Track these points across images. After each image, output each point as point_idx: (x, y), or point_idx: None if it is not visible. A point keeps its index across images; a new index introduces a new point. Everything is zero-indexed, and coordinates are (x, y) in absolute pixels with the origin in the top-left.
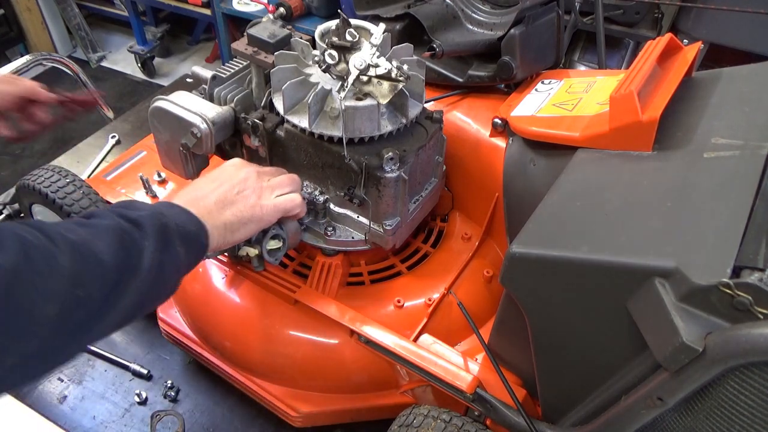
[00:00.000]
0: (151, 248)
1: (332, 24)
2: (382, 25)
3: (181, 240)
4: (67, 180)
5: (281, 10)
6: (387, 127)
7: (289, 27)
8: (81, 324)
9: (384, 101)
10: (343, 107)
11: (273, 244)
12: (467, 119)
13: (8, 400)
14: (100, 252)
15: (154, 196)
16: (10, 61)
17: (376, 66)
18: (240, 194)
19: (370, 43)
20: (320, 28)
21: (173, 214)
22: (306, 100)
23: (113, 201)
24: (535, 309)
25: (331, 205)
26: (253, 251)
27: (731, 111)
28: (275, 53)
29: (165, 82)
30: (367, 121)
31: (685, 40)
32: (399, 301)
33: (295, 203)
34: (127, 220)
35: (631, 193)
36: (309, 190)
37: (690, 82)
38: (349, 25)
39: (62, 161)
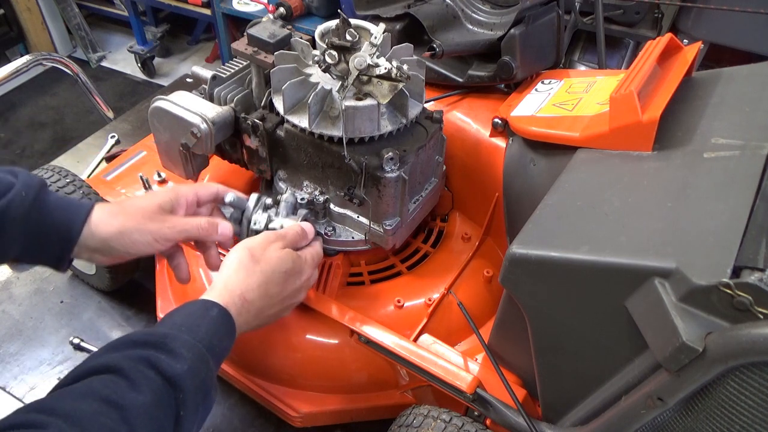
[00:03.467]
0: (190, 413)
1: (332, 24)
2: (382, 25)
3: (216, 367)
4: (67, 180)
5: (281, 10)
6: (387, 127)
7: (289, 27)
8: None
9: (384, 101)
10: (343, 107)
11: None
12: (467, 119)
13: (8, 400)
14: None
15: None
16: (10, 61)
17: (376, 66)
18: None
19: (370, 43)
20: (320, 28)
21: (222, 347)
22: (306, 100)
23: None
24: (535, 309)
25: (331, 205)
26: None
27: (731, 111)
28: (275, 53)
29: (165, 82)
30: (367, 121)
31: (685, 40)
32: (399, 301)
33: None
34: (165, 379)
35: (631, 193)
36: (309, 190)
37: (690, 82)
38: (349, 25)
39: (62, 161)
